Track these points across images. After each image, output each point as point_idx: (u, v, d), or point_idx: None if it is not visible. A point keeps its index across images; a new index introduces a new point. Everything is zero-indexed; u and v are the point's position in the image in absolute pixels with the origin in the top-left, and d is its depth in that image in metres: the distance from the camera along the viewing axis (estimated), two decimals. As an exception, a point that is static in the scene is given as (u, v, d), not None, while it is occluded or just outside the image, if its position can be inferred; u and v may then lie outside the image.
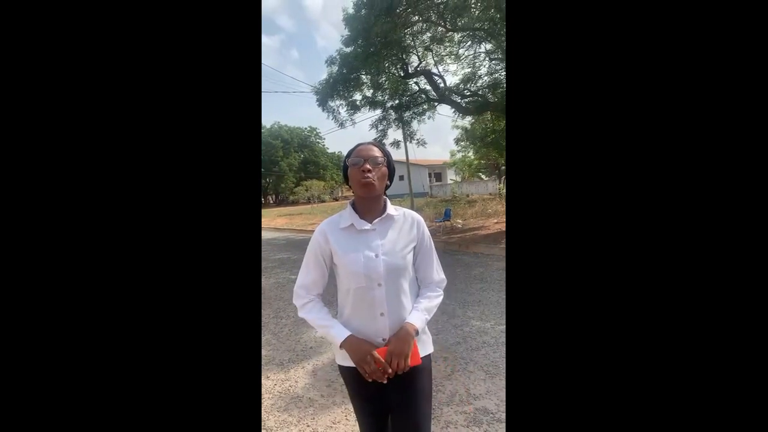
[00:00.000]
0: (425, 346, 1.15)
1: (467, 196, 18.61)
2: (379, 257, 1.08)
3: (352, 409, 1.21)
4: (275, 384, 2.48)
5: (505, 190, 15.90)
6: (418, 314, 1.10)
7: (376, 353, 1.02)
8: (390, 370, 1.02)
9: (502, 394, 2.12)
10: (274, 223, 15.35)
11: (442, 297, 1.18)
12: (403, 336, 1.05)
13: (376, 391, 1.12)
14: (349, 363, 1.12)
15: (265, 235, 12.02)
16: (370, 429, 1.16)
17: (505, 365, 2.44)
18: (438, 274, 1.19)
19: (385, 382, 1.04)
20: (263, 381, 2.53)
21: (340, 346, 1.06)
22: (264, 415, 2.14)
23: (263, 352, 2.97)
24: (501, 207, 11.44)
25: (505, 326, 3.08)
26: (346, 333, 1.07)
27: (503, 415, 1.94)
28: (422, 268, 1.18)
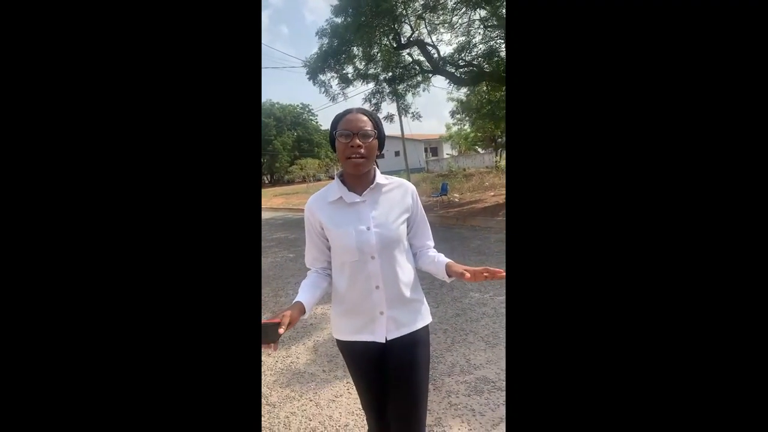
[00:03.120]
0: (423, 317, 1.13)
1: (464, 170, 18.48)
2: (371, 230, 1.04)
3: (352, 382, 1.20)
4: (277, 361, 2.50)
5: (502, 162, 15.80)
6: (441, 257, 1.13)
7: (269, 322, 0.92)
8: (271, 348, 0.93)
9: (502, 363, 2.14)
10: (270, 203, 15.26)
11: None
12: (455, 267, 1.08)
13: (373, 363, 1.11)
14: (345, 337, 1.11)
15: (263, 215, 11.96)
16: (370, 400, 1.16)
17: (505, 335, 2.46)
18: (431, 240, 1.20)
19: (264, 347, 0.94)
20: (264, 358, 2.55)
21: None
22: (267, 390, 2.16)
23: (264, 330, 2.98)
24: (498, 180, 11.38)
25: (504, 297, 3.09)
26: (297, 301, 1.02)
27: (504, 384, 1.96)
28: (418, 236, 1.17)
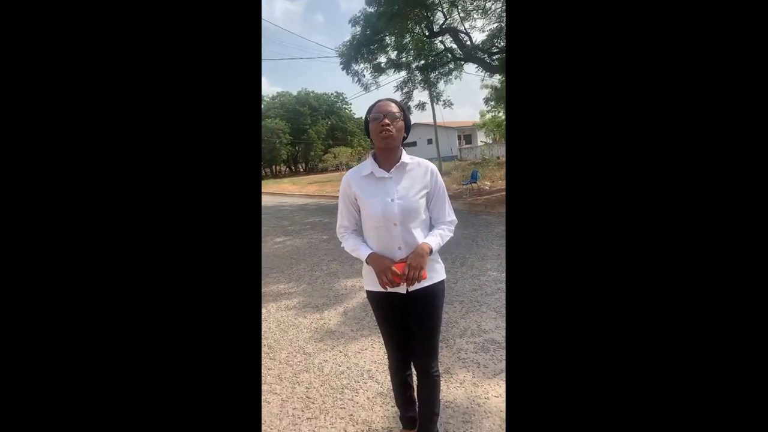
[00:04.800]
0: (438, 274, 1.38)
1: (498, 158, 18.23)
2: (395, 201, 1.28)
3: (377, 339, 1.47)
4: (312, 322, 2.88)
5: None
6: (432, 238, 1.32)
7: (393, 267, 1.25)
8: (402, 281, 1.24)
9: (510, 330, 2.39)
10: (305, 190, 15.90)
11: (452, 234, 1.39)
12: (420, 252, 1.26)
13: (397, 310, 1.38)
14: (374, 288, 1.37)
15: (299, 201, 12.58)
16: (392, 339, 1.44)
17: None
18: (449, 215, 1.38)
19: (397, 287, 1.28)
20: (301, 320, 2.94)
21: (366, 261, 1.31)
22: (303, 344, 2.54)
23: (300, 299, 3.38)
24: (530, 168, 11.23)
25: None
26: (370, 251, 1.31)
27: (509, 345, 2.21)
28: (435, 210, 1.37)
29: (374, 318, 1.47)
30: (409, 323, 1.40)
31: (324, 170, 32.55)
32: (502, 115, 20.17)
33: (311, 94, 36.47)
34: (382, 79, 10.00)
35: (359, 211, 1.38)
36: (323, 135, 35.18)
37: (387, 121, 1.27)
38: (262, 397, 1.96)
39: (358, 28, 8.78)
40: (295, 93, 36.47)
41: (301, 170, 37.69)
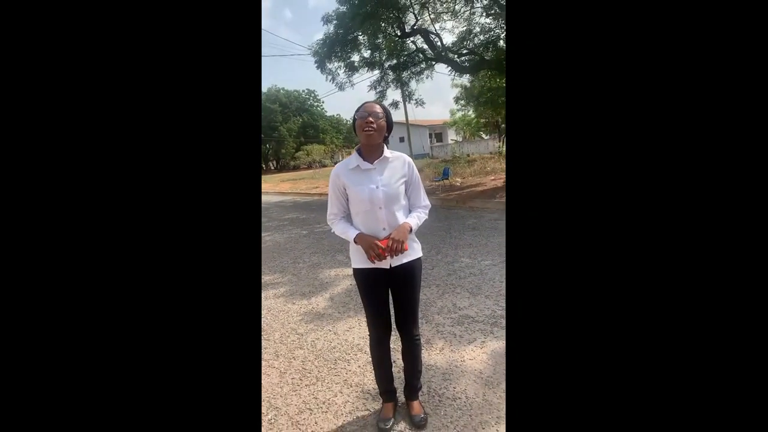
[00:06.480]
0: (416, 252, 1.64)
1: (468, 155, 18.85)
2: (379, 188, 1.51)
3: (364, 318, 1.67)
4: (301, 308, 3.08)
5: (504, 148, 16.12)
6: (412, 219, 1.57)
7: (378, 242, 1.49)
8: (387, 253, 1.48)
9: (482, 306, 2.69)
10: (278, 188, 15.80)
11: (427, 216, 1.64)
12: (401, 228, 1.51)
13: (381, 283, 1.61)
14: (360, 265, 1.60)
15: (273, 198, 12.55)
16: (375, 310, 1.65)
17: (486, 287, 3.00)
18: (424, 201, 1.63)
19: (382, 261, 1.51)
20: (290, 306, 3.12)
21: (354, 241, 1.54)
22: (294, 326, 2.74)
23: (287, 288, 3.56)
24: (499, 165, 11.81)
25: (488, 261, 3.63)
26: (357, 232, 1.55)
27: (480, 318, 2.51)
28: (412, 196, 1.63)
29: (359, 301, 1.68)
30: (393, 295, 1.64)
31: (296, 168, 32.21)
32: (471, 113, 20.83)
33: (281, 91, 35.94)
34: (356, 77, 10.21)
35: (347, 200, 1.60)
36: (295, 133, 34.79)
37: (371, 119, 1.50)
38: (262, 371, 2.15)
39: (331, 27, 8.91)
40: (265, 90, 35.82)
41: (273, 168, 37.10)
